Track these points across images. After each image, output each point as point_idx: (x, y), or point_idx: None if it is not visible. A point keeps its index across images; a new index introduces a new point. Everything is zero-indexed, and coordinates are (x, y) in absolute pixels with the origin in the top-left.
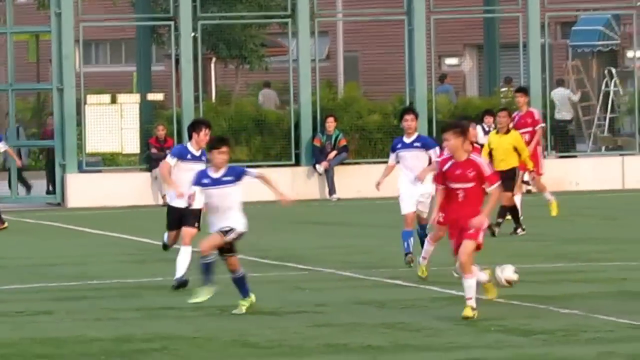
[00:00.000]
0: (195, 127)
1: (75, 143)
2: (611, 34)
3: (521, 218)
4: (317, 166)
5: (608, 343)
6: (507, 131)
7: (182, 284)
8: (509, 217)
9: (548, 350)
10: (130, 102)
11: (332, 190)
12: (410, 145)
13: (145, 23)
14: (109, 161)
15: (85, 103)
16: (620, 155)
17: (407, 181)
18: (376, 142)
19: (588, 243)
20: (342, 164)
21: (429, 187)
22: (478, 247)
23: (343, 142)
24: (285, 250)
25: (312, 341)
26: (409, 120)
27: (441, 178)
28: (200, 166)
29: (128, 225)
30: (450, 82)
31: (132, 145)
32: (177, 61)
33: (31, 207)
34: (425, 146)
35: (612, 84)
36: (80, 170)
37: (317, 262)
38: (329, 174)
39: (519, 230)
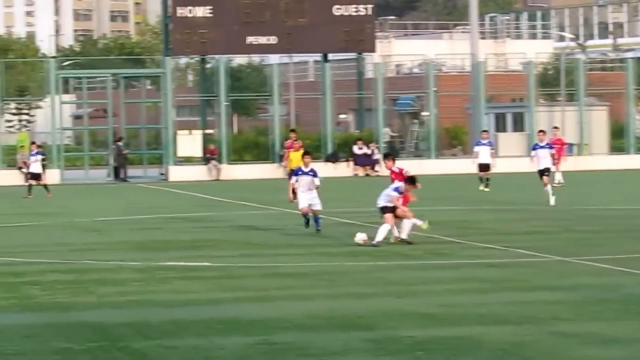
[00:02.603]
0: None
1: (172, 152)
2: (415, 104)
3: None
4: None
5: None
6: None
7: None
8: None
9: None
10: (197, 134)
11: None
12: (305, 173)
13: (203, 97)
14: (186, 160)
15: (176, 134)
16: (420, 159)
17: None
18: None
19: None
20: None
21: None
22: None
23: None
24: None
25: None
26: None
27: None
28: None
29: (195, 188)
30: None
31: (197, 152)
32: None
33: (153, 181)
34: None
35: (416, 126)
36: (174, 164)
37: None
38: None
39: None
